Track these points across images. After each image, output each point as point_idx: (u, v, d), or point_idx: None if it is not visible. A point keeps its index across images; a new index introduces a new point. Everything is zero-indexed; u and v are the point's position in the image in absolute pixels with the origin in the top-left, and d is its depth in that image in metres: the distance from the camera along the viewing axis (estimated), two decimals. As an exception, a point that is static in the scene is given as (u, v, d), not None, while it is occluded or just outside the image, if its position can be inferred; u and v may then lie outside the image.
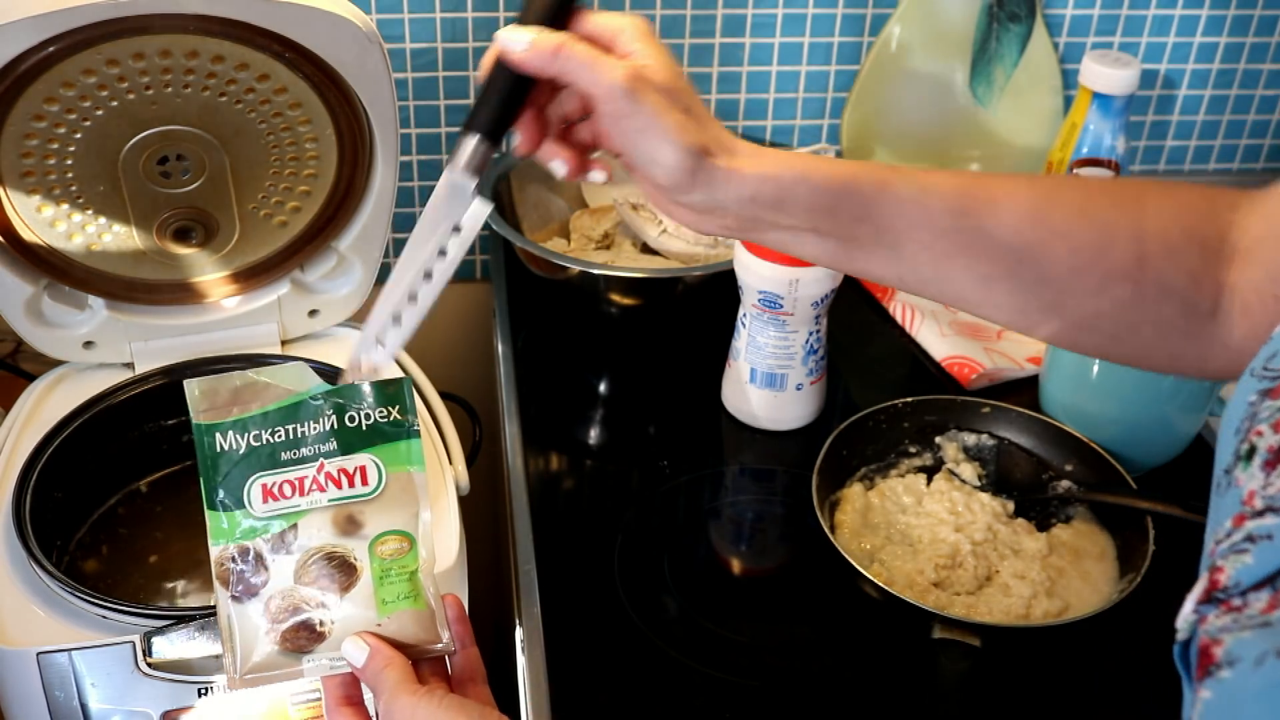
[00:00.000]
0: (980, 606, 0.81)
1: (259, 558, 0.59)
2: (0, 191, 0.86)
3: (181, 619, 0.74)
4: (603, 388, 1.11)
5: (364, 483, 0.60)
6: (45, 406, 0.94)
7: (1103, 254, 0.60)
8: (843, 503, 0.90)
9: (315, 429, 0.60)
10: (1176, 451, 0.94)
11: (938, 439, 0.94)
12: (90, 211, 0.89)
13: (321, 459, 0.60)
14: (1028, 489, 0.91)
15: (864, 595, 0.80)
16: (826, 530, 0.84)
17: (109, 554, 0.88)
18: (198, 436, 0.59)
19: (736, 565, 0.93)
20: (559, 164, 0.62)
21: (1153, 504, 0.84)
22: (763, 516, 0.97)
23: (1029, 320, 0.64)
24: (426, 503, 0.61)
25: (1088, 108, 1.05)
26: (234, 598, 0.59)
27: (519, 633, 0.83)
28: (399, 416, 0.61)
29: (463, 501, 0.89)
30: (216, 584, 0.59)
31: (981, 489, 0.91)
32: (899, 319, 1.14)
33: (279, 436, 0.60)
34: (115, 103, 0.84)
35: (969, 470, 0.92)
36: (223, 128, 0.88)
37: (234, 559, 0.59)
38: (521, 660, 0.81)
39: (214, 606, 0.68)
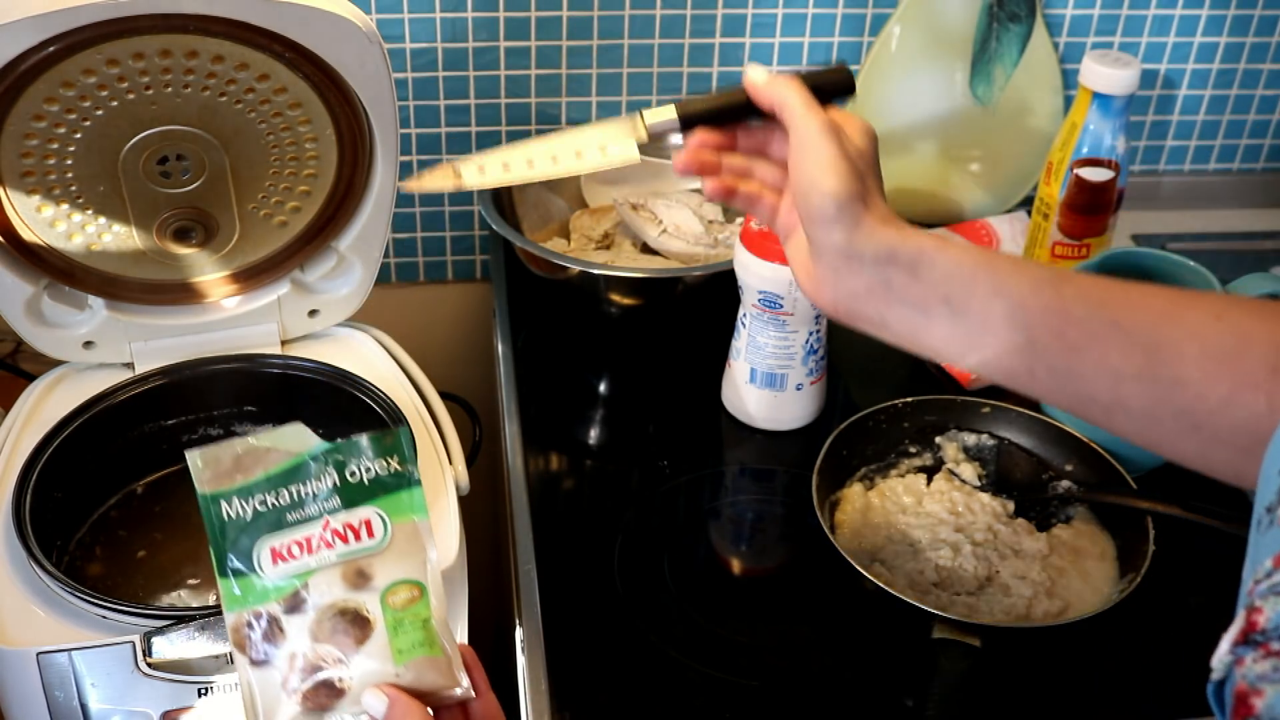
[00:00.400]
0: (980, 607, 0.81)
1: (274, 621, 0.60)
2: (0, 191, 0.86)
3: (181, 619, 0.74)
4: (603, 388, 1.11)
5: (370, 535, 0.61)
6: (45, 406, 0.94)
7: (1237, 359, 0.58)
8: (843, 503, 0.90)
9: (318, 487, 0.61)
10: (1176, 451, 0.94)
11: (938, 439, 0.94)
12: (90, 211, 0.89)
13: (326, 516, 0.60)
14: (1028, 489, 0.91)
15: (864, 595, 0.80)
16: (826, 530, 0.84)
17: (109, 554, 0.88)
18: (204, 506, 0.60)
19: (736, 565, 0.93)
20: (711, 182, 0.69)
21: (1153, 504, 0.84)
22: (763, 516, 0.97)
23: (1162, 429, 0.60)
24: (434, 547, 0.61)
25: (1088, 108, 1.05)
26: (253, 663, 0.59)
27: (519, 633, 0.83)
28: (398, 467, 0.61)
29: (463, 501, 0.89)
30: (234, 651, 0.59)
31: (981, 489, 0.91)
32: (899, 319, 1.13)
33: (283, 499, 0.60)
34: (115, 103, 0.84)
35: (969, 470, 0.92)
36: (223, 128, 0.88)
37: (250, 625, 0.59)
38: (521, 660, 0.81)
39: (214, 606, 0.67)
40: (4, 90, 0.80)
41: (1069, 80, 1.24)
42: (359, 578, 0.60)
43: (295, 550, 0.60)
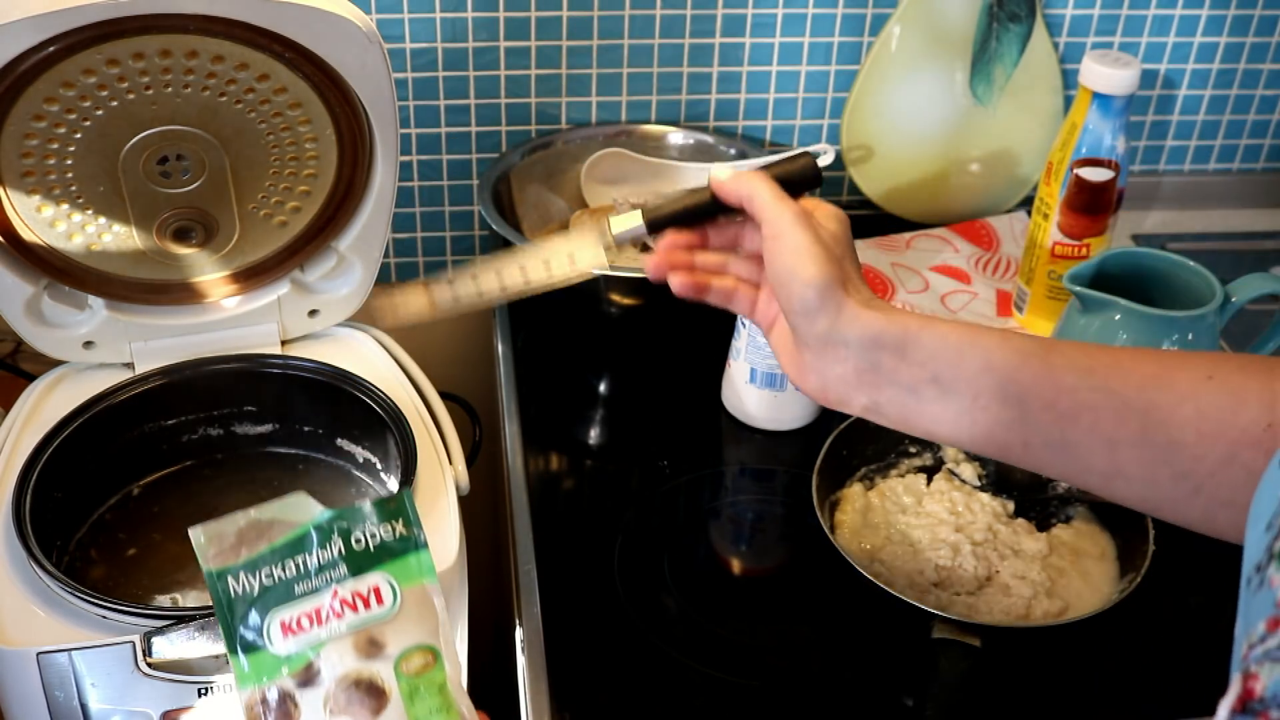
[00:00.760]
0: (980, 607, 0.82)
1: (288, 696, 0.59)
2: (0, 191, 0.86)
3: (181, 619, 0.74)
4: (603, 388, 1.11)
5: (379, 602, 0.60)
6: (45, 406, 0.94)
7: (1232, 418, 0.58)
8: (843, 503, 0.90)
9: (324, 557, 0.60)
10: (1176, 451, 0.94)
11: (938, 439, 0.94)
12: (90, 211, 0.89)
13: (334, 585, 0.59)
14: (1028, 489, 0.91)
15: (864, 595, 0.80)
16: (826, 530, 0.84)
17: (109, 554, 0.88)
18: (210, 584, 0.59)
19: (736, 565, 0.93)
20: (678, 278, 0.71)
21: (1153, 504, 0.84)
22: (763, 516, 0.97)
23: (1163, 494, 0.60)
24: (444, 609, 0.61)
25: (1088, 108, 1.05)
26: None
27: (519, 633, 0.83)
28: (404, 531, 0.61)
29: (463, 501, 0.89)
30: None
31: (981, 489, 0.91)
32: (899, 319, 1.14)
33: (290, 570, 0.59)
34: (115, 103, 0.84)
35: (969, 470, 0.92)
36: (223, 128, 0.88)
37: (263, 702, 0.58)
38: (521, 660, 0.81)
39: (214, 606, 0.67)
40: (4, 90, 0.80)
41: (1069, 80, 1.24)
42: (371, 646, 0.59)
43: (305, 622, 0.59)
